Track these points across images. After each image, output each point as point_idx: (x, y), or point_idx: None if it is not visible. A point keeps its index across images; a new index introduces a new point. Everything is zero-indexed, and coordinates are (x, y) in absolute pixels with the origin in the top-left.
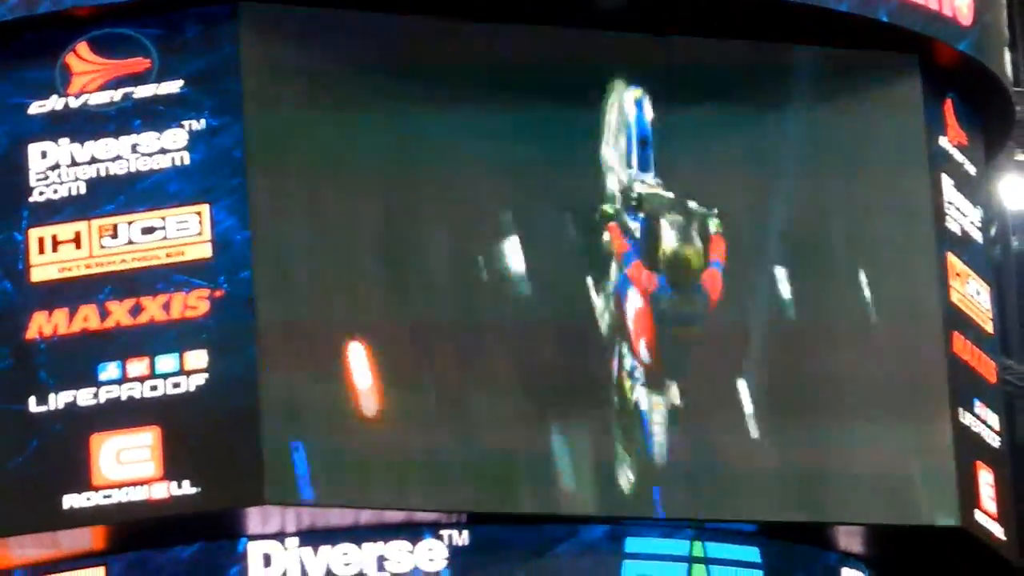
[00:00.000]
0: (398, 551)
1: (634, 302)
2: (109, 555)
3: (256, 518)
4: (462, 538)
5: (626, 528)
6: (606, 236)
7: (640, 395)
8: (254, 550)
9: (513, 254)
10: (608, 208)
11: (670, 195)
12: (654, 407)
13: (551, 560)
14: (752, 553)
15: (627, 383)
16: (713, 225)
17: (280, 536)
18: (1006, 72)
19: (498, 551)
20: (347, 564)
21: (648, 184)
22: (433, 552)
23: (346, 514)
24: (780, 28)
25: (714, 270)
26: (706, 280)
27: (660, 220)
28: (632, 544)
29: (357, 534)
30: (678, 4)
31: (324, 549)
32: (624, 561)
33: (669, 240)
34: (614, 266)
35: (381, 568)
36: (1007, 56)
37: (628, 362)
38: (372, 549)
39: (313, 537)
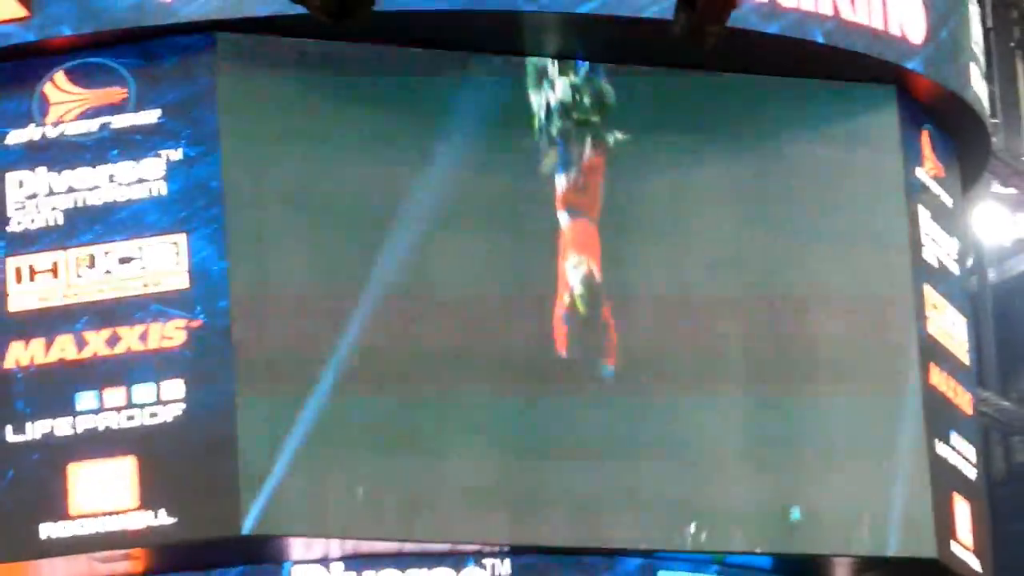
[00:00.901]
0: None
1: None
2: (148, 575)
3: (300, 542)
4: (504, 567)
5: (658, 561)
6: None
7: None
8: (298, 574)
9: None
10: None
11: (596, 119)
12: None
13: None
14: None
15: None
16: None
17: (324, 561)
18: (982, 102)
19: None
20: None
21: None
22: None
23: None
24: (728, 57)
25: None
26: None
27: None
28: None
29: (402, 561)
30: (641, 37)
31: (368, 575)
32: None
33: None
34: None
35: None
36: (975, 76)
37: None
38: None
39: (357, 563)
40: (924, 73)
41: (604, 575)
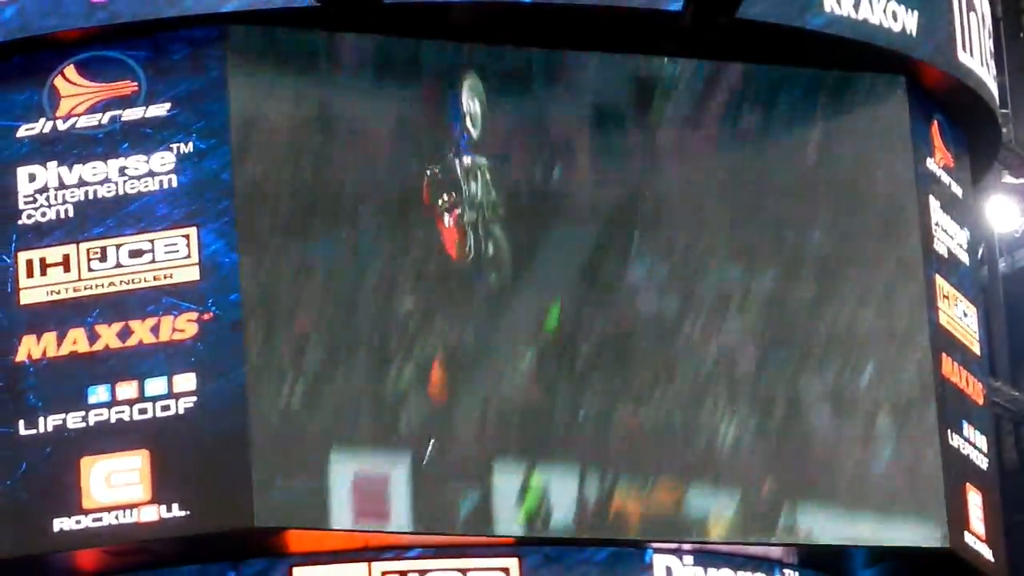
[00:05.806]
0: None
1: None
2: (525, 546)
3: None
4: None
5: None
6: None
7: None
8: (659, 562)
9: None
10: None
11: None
12: None
13: None
14: None
15: None
16: None
17: (679, 552)
18: (992, 92)
19: None
20: None
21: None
22: None
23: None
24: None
25: None
26: None
27: None
28: None
29: (735, 561)
30: (643, 27)
31: (712, 571)
32: None
33: None
34: None
35: None
36: (990, 70)
37: None
38: None
39: (703, 558)
40: (934, 63)
41: None
